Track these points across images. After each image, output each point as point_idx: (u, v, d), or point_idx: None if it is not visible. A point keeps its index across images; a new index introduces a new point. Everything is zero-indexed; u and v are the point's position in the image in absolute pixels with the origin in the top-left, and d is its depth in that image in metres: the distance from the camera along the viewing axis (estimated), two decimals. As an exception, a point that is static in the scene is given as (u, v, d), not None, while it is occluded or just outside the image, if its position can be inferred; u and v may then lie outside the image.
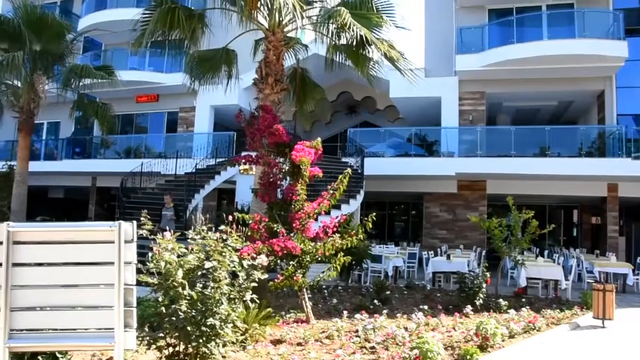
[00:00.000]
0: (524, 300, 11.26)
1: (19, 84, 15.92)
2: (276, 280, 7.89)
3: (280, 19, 9.61)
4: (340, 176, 8.43)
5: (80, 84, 16.37)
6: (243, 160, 9.21)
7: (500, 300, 10.22)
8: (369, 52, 10.39)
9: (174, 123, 24.16)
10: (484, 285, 10.22)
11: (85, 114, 19.83)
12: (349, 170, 8.52)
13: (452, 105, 20.23)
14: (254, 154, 9.26)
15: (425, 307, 9.35)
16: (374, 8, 10.08)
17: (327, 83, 18.42)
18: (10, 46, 15.15)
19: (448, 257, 14.26)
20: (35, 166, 17.60)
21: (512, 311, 9.16)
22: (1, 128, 17.49)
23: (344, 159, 20.38)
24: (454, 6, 20.80)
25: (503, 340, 7.42)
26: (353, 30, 8.98)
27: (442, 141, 20.13)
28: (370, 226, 8.11)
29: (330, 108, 24.91)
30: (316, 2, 10.93)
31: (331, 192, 8.41)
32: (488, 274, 10.70)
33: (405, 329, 7.51)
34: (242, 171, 11.40)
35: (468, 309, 9.24)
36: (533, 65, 18.32)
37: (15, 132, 19.80)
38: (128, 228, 4.29)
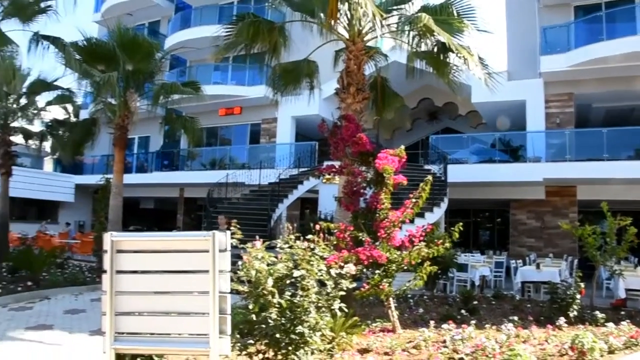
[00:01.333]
0: (623, 313, 10.57)
1: (114, 102, 16.86)
2: (362, 289, 7.88)
3: (360, 28, 9.66)
4: (422, 184, 8.31)
5: (169, 99, 17.11)
6: (327, 170, 9.28)
7: (597, 312, 9.62)
8: (449, 58, 10.22)
9: (257, 134, 24.84)
10: (578, 296, 9.68)
11: (173, 128, 20.77)
12: (430, 177, 8.38)
13: (537, 108, 19.48)
14: (337, 163, 9.32)
15: (515, 318, 9.01)
16: (455, 12, 9.91)
17: (407, 90, 18.28)
18: (106, 67, 16.04)
19: (537, 266, 13.70)
20: (128, 179, 18.55)
21: (610, 324, 8.59)
22: (99, 144, 18.60)
23: (426, 167, 20.11)
24: (537, 5, 20.08)
25: (602, 356, 6.93)
26: (434, 37, 8.89)
27: (528, 146, 19.38)
28: (457, 236, 7.94)
29: (410, 115, 24.71)
30: (395, 9, 10.91)
31: (414, 200, 8.32)
32: (582, 284, 10.14)
33: (495, 340, 7.26)
34: (324, 180, 11.51)
35: (561, 321, 8.78)
36: (625, 63, 17.26)
37: (109, 147, 21.07)
38: (222, 238, 4.46)
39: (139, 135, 27.11)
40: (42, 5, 14.64)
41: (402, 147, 8.56)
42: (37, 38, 14.43)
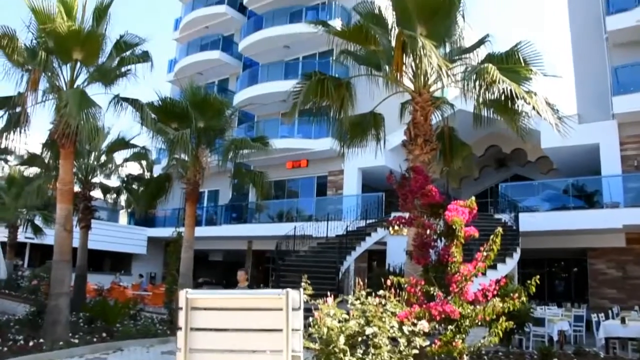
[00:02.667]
0: None
1: (186, 158, 17.53)
2: (434, 345, 7.62)
3: (426, 79, 9.72)
4: (492, 236, 8.07)
5: (238, 154, 17.63)
6: (396, 222, 9.21)
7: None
8: (517, 105, 10.06)
9: (324, 186, 25.07)
10: (673, 354, 8.98)
11: (241, 182, 21.27)
12: (500, 229, 8.12)
13: (612, 151, 18.69)
14: (406, 215, 9.24)
15: (603, 377, 8.43)
16: (521, 59, 9.80)
17: (473, 137, 18.04)
18: (179, 125, 16.78)
19: (623, 320, 12.80)
20: (197, 231, 19.04)
21: None
22: (171, 197, 19.33)
23: (496, 216, 19.54)
24: (606, 45, 19.58)
25: None
26: (501, 86, 8.79)
27: (604, 191, 18.49)
28: (534, 290, 7.59)
29: (478, 163, 24.29)
30: (460, 59, 10.93)
31: (485, 253, 8.07)
32: (677, 341, 9.40)
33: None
34: (393, 232, 11.40)
35: (655, 381, 8.14)
36: None
37: (181, 200, 21.79)
38: (295, 296, 4.45)
39: (208, 188, 27.95)
40: (123, 69, 15.59)
41: (473, 198, 8.39)
42: (118, 100, 15.32)
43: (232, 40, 31.12)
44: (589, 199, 19.33)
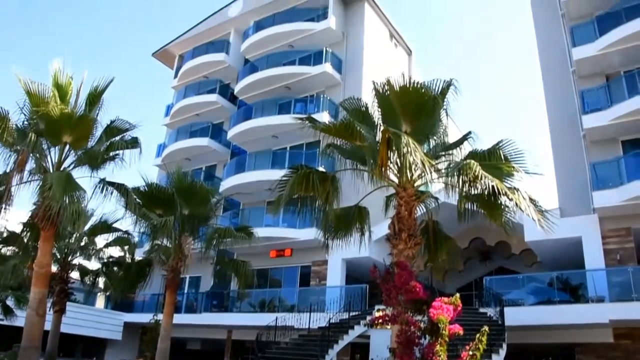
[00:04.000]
0: None
1: (169, 244, 17.34)
2: None
3: (411, 175, 9.89)
4: (478, 335, 7.94)
5: (222, 243, 17.49)
6: (379, 320, 9.04)
7: None
8: (500, 200, 10.21)
9: (307, 276, 24.74)
10: None
11: (224, 270, 20.97)
12: (486, 328, 8.01)
13: (594, 244, 18.81)
14: (389, 310, 9.08)
15: None
16: (503, 156, 10.07)
17: (458, 230, 18.13)
18: (163, 211, 16.75)
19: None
20: (176, 318, 18.54)
21: None
22: (151, 283, 18.90)
23: (481, 310, 19.27)
24: (583, 142, 20.24)
25: None
26: (484, 182, 8.96)
27: (589, 284, 18.40)
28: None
29: (462, 256, 24.25)
30: (444, 154, 11.20)
31: (471, 352, 7.92)
32: None
33: None
34: (376, 326, 11.17)
35: None
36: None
37: (161, 285, 21.27)
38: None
39: (190, 275, 27.43)
40: (112, 154, 15.73)
41: (457, 295, 8.37)
42: (103, 184, 15.33)
43: (221, 128, 31.81)
44: (574, 293, 19.21)
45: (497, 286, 20.24)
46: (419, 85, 10.09)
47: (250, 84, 29.08)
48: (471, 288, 25.95)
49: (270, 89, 28.63)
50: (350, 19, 29.76)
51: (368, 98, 11.88)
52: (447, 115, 11.22)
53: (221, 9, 33.91)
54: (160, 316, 17.97)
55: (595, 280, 18.12)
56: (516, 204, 9.45)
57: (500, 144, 10.24)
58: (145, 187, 16.58)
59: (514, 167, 9.72)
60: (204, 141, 30.54)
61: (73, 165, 14.97)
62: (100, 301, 33.15)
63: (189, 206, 16.96)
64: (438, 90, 10.55)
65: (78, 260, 21.10)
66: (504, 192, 9.08)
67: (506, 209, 10.70)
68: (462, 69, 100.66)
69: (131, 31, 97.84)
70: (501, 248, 24.30)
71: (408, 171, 9.41)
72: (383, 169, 9.39)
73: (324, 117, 24.87)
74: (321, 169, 19.78)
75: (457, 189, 10.17)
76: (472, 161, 9.04)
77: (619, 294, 17.60)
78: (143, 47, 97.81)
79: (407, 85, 9.82)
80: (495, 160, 9.87)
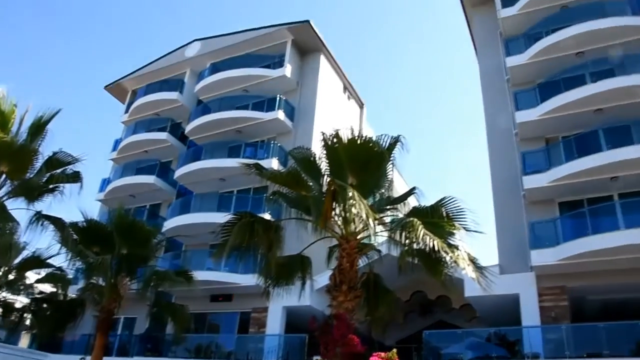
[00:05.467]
0: None
1: (103, 283, 16.68)
2: None
3: (354, 227, 9.96)
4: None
5: (159, 286, 16.98)
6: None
7: None
8: (441, 257, 10.36)
9: (247, 323, 24.14)
10: None
11: (161, 313, 20.29)
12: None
13: (531, 301, 19.28)
14: (327, 364, 8.95)
15: None
16: (445, 214, 10.30)
17: (400, 282, 18.20)
18: (101, 249, 16.19)
19: None
20: (108, 362, 17.76)
21: None
22: (82, 321, 18.01)
23: (420, 364, 19.31)
24: (523, 202, 20.98)
25: None
26: (426, 240, 9.11)
27: (525, 341, 18.72)
28: None
29: (403, 308, 24.38)
30: (389, 209, 11.35)
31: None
32: None
33: None
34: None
35: None
36: (613, 256, 17.63)
37: (93, 325, 20.23)
38: None
39: (125, 315, 26.33)
40: (51, 187, 15.23)
41: (394, 350, 8.38)
42: (39, 217, 14.73)
43: (169, 167, 31.35)
44: (511, 348, 19.45)
45: (436, 340, 20.33)
46: (366, 140, 10.31)
47: (201, 125, 29.00)
48: (411, 341, 25.91)
49: (221, 131, 28.61)
50: (305, 68, 30.41)
51: (318, 148, 12.02)
52: (393, 169, 11.45)
53: (179, 48, 33.97)
54: (89, 358, 17.07)
55: (531, 336, 18.49)
56: (455, 261, 9.63)
57: (443, 201, 10.49)
58: (84, 223, 16.04)
59: (455, 226, 9.94)
60: (150, 179, 29.95)
61: (8, 196, 14.39)
62: (24, 340, 31.20)
63: (128, 245, 16.44)
64: (385, 145, 10.79)
65: (4, 295, 19.90)
66: (444, 250, 9.24)
67: (446, 265, 10.87)
68: (414, 124, 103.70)
69: (85, 61, 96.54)
70: (442, 302, 24.55)
71: (352, 224, 9.48)
72: (327, 220, 9.42)
73: (273, 163, 25.01)
74: (267, 215, 19.72)
75: (399, 244, 10.28)
76: (415, 219, 9.20)
77: (553, 350, 17.98)
78: (95, 78, 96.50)
79: (355, 139, 10.03)
80: (437, 217, 10.08)
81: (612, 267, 18.07)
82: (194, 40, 33.54)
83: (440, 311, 26.14)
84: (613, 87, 20.27)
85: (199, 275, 19.36)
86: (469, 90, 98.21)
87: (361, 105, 35.86)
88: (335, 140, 10.33)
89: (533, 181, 20.32)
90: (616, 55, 21.39)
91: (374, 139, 10.98)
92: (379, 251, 12.27)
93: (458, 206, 10.38)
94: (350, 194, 8.52)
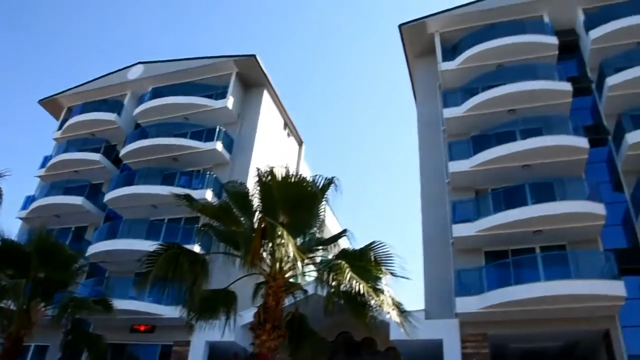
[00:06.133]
0: None
1: (14, 308, 15.72)
2: None
3: (282, 266, 9.91)
4: None
5: (76, 313, 16.19)
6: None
7: None
8: (367, 301, 10.42)
9: (167, 356, 23.14)
10: None
11: (76, 342, 19.27)
12: None
13: (454, 348, 19.53)
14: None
15: None
16: (374, 258, 10.42)
17: (326, 323, 18.16)
18: (16, 271, 15.34)
19: None
20: (12, 396, 16.51)
21: None
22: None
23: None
24: (452, 250, 21.53)
25: None
26: (352, 283, 9.17)
27: (448, 388, 19.02)
28: None
29: (329, 349, 24.14)
30: (318, 249, 11.38)
31: None
32: None
33: None
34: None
35: None
36: (533, 306, 18.25)
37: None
38: None
39: (36, 343, 24.80)
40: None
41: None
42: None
43: (99, 189, 30.21)
44: (434, 393, 19.70)
45: (361, 384, 20.25)
46: (300, 179, 10.38)
47: (137, 150, 28.33)
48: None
49: (157, 157, 28.01)
50: (248, 102, 30.46)
51: (254, 182, 11.97)
52: (326, 210, 11.54)
53: (121, 69, 33.33)
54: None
55: (454, 381, 18.74)
56: (380, 305, 9.72)
57: (372, 246, 10.62)
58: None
59: (382, 270, 10.08)
60: (78, 200, 28.70)
61: None
62: None
63: (47, 268, 15.65)
64: (320, 185, 10.89)
65: None
66: (370, 294, 9.32)
67: (371, 309, 10.92)
68: (351, 166, 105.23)
69: (20, 73, 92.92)
70: (367, 344, 24.51)
71: (279, 262, 9.43)
72: (255, 257, 9.34)
73: (207, 194, 24.70)
74: (196, 247, 19.35)
75: (326, 285, 10.29)
76: (343, 262, 9.27)
77: (474, 396, 18.28)
78: (30, 91, 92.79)
79: (289, 178, 10.08)
80: (365, 261, 10.19)
81: (533, 316, 18.69)
82: (137, 63, 33.04)
83: (365, 353, 26.07)
84: (539, 145, 21.49)
85: (121, 304, 18.59)
86: (406, 135, 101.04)
87: (300, 143, 36.16)
88: (269, 177, 10.34)
89: (462, 230, 20.93)
90: (544, 116, 22.77)
91: (309, 178, 11.08)
92: (306, 291, 12.24)
93: (386, 251, 10.54)
94: (280, 233, 8.51)
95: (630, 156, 21.03)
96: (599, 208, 19.54)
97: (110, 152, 31.17)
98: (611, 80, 22.65)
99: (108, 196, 27.36)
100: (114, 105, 31.96)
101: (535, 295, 18.10)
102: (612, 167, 22.43)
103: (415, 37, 27.97)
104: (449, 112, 24.22)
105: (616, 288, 17.70)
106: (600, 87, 23.65)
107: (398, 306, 10.35)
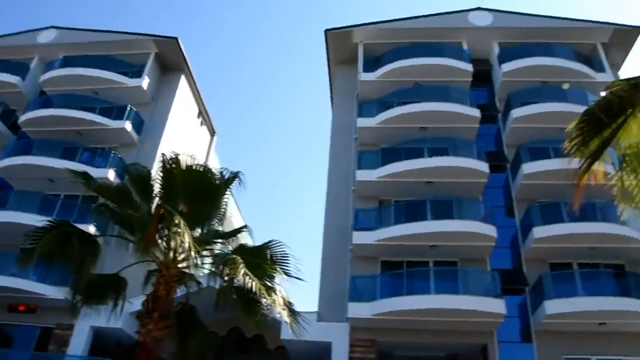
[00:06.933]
0: None
1: None
2: None
3: (176, 255, 9.71)
4: None
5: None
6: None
7: None
8: (258, 298, 10.43)
9: (47, 339, 21.75)
10: None
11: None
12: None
13: (342, 351, 19.91)
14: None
15: None
16: (270, 257, 10.45)
17: (218, 317, 17.95)
18: None
19: None
20: None
21: None
22: None
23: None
24: (350, 256, 22.00)
25: None
26: (245, 280, 9.14)
27: (336, 388, 19.39)
28: None
29: (219, 343, 23.85)
30: (217, 242, 11.26)
31: None
32: None
33: None
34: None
35: None
36: (421, 317, 19.06)
37: None
38: None
39: None
40: None
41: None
42: None
43: (-10, 156, 28.08)
44: (318, 394, 20.01)
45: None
46: (205, 169, 10.27)
47: (39, 118, 26.59)
48: (224, 378, 25.43)
49: (60, 129, 26.38)
50: (163, 85, 29.58)
51: (158, 168, 11.63)
52: (230, 204, 11.44)
53: (31, 30, 31.15)
54: None
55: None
56: (271, 304, 9.78)
57: (270, 244, 10.65)
58: None
59: (276, 269, 10.12)
60: (-37, 165, 26.54)
61: None
62: None
63: None
64: (225, 178, 10.79)
65: None
66: (261, 292, 9.34)
67: (262, 307, 10.93)
68: (262, 162, 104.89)
69: None
70: (258, 341, 24.50)
71: (174, 252, 9.24)
72: (150, 244, 9.10)
73: (109, 174, 23.75)
74: (91, 227, 18.51)
75: (220, 280, 10.20)
76: (238, 257, 9.23)
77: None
78: None
79: (194, 167, 9.92)
80: (262, 258, 10.20)
81: (420, 327, 19.52)
82: (50, 27, 31.08)
83: (255, 350, 26.04)
84: (444, 164, 22.59)
85: (2, 280, 17.40)
86: (319, 139, 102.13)
87: (212, 134, 35.53)
88: (174, 164, 10.11)
89: (361, 237, 21.45)
90: (452, 137, 23.90)
91: (215, 170, 10.95)
92: (200, 283, 12.06)
93: (283, 251, 10.60)
94: (177, 221, 8.36)
95: (524, 185, 22.60)
96: (491, 230, 20.80)
97: (9, 117, 28.93)
98: (516, 113, 24.23)
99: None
100: (19, 68, 29.69)
101: (425, 307, 18.96)
102: (507, 194, 23.97)
103: (340, 44, 28.39)
104: (363, 122, 24.82)
105: (498, 306, 18.93)
106: (505, 117, 25.22)
107: (289, 306, 10.44)
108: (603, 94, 7.06)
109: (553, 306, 19.27)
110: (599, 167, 7.18)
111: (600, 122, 6.76)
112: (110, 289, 11.02)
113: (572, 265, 21.52)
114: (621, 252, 20.90)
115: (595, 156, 7.05)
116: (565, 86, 24.94)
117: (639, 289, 19.71)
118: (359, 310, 19.80)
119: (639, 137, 7.12)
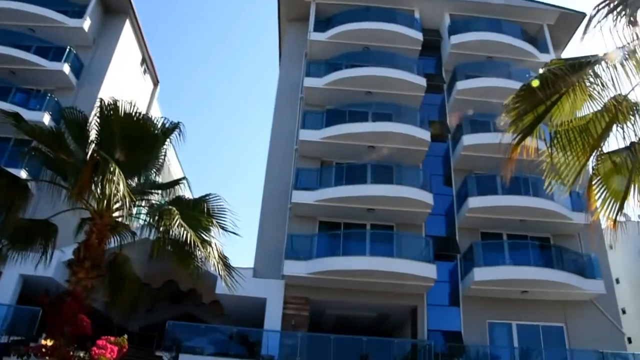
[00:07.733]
0: None
1: None
2: None
3: (110, 204, 9.52)
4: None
5: None
6: (32, 350, 8.24)
7: None
8: (194, 250, 10.41)
9: (-31, 287, 21.09)
10: None
11: None
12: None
13: (276, 307, 20.38)
14: (50, 342, 8.34)
15: None
16: (207, 210, 10.39)
17: (153, 269, 17.84)
18: None
19: None
20: None
21: None
22: None
23: (157, 353, 19.09)
24: (289, 214, 22.24)
25: None
26: (180, 231, 9.09)
27: (264, 343, 19.73)
28: None
29: (154, 295, 23.82)
30: (153, 192, 11.10)
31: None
32: None
33: None
34: (28, 357, 10.02)
35: None
36: (356, 278, 19.73)
37: None
38: None
39: None
40: None
41: (125, 336, 8.16)
42: None
43: None
44: (251, 349, 20.30)
45: (180, 332, 20.33)
46: (144, 117, 10.02)
47: (-35, 53, 25.08)
48: (156, 329, 25.47)
49: (-10, 67, 25.06)
50: (107, 28, 28.40)
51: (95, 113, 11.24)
52: (169, 155, 11.25)
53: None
54: None
55: (270, 340, 19.55)
56: (206, 257, 9.79)
57: (207, 197, 10.58)
58: None
59: (212, 222, 10.09)
60: None
61: None
62: None
63: None
64: (165, 128, 10.56)
65: None
66: (196, 244, 9.33)
67: (197, 260, 10.93)
68: (206, 116, 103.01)
69: None
70: (192, 295, 24.63)
71: (108, 200, 9.04)
72: (82, 190, 8.86)
73: (44, 117, 22.82)
74: (23, 172, 17.84)
75: (155, 231, 10.11)
76: (174, 208, 9.14)
77: (288, 355, 19.30)
78: None
79: (132, 114, 9.67)
80: (198, 211, 10.13)
81: (353, 287, 20.18)
82: (-19, -46, 28.96)
83: (190, 304, 26.20)
84: (387, 130, 22.93)
85: None
86: (265, 96, 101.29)
87: (156, 83, 34.58)
88: (112, 110, 9.81)
89: (301, 197, 21.73)
90: (397, 104, 24.20)
91: (155, 119, 10.71)
92: (134, 234, 11.90)
93: (220, 205, 10.54)
94: (112, 169, 8.17)
95: (464, 156, 23.31)
96: (428, 197, 21.44)
97: None
98: (461, 85, 24.76)
99: None
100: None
101: (359, 268, 19.56)
102: (447, 163, 24.67)
103: (293, 1, 27.93)
104: (310, 82, 24.76)
105: (430, 270, 19.72)
106: (450, 88, 25.72)
107: (224, 260, 10.46)
108: (541, 71, 7.26)
109: (481, 273, 20.24)
110: (531, 142, 7.45)
111: (535, 98, 6.96)
112: (39, 234, 10.66)
113: (502, 236, 22.58)
114: (548, 226, 22.11)
115: (528, 131, 7.28)
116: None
117: (561, 261, 20.98)
118: (295, 268, 20.20)
119: (570, 116, 7.41)
